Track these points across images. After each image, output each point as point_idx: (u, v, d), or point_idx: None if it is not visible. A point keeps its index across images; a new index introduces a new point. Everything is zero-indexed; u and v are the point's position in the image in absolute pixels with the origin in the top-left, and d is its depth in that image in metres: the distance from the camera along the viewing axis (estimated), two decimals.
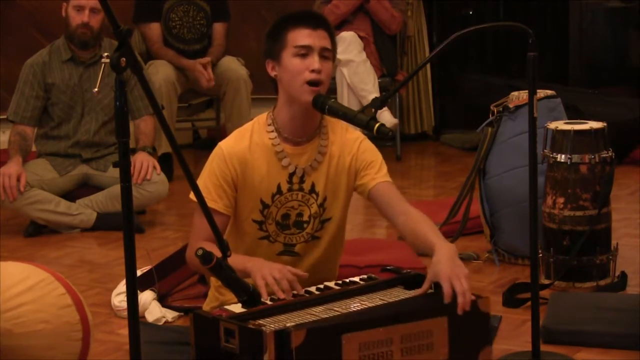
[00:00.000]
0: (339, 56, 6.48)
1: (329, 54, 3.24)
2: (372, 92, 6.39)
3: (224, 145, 3.31)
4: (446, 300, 2.91)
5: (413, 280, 3.14)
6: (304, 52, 3.20)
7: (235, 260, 3.13)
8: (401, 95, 7.19)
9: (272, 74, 3.28)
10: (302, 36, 3.20)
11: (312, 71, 3.18)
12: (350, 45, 6.54)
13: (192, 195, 3.09)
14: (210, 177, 3.27)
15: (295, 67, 3.20)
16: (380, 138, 3.18)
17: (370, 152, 3.34)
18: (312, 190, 3.30)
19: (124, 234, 2.40)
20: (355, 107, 6.19)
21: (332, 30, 3.28)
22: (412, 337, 2.88)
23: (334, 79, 6.53)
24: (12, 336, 3.03)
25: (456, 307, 2.90)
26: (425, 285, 3.00)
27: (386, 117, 6.37)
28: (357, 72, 6.51)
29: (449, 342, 2.94)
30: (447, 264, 2.96)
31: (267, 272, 3.03)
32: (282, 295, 2.99)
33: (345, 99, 6.50)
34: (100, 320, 3.88)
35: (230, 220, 3.33)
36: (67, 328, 3.12)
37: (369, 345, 2.81)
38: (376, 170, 3.30)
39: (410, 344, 2.87)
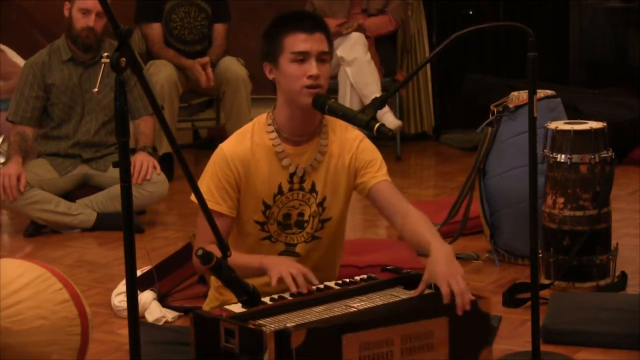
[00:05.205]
0: (343, 55, 6.48)
1: (326, 57, 3.23)
2: (375, 92, 6.35)
3: (226, 147, 3.30)
4: (445, 301, 2.92)
5: (413, 280, 3.14)
6: (301, 57, 3.19)
7: (250, 258, 3.15)
8: (401, 95, 7.18)
9: (270, 76, 3.27)
10: (298, 41, 3.19)
11: (310, 77, 3.18)
12: (355, 45, 6.52)
13: (193, 197, 3.09)
14: (212, 180, 3.27)
15: (293, 73, 3.19)
16: (381, 138, 3.18)
17: (369, 151, 3.34)
18: (313, 189, 3.31)
19: (124, 234, 2.40)
20: (357, 107, 6.19)
21: (328, 31, 3.27)
22: (412, 337, 2.88)
23: (336, 78, 6.52)
24: (12, 334, 3.03)
25: (455, 307, 2.91)
26: (421, 286, 3.02)
27: (389, 118, 6.36)
28: (361, 72, 6.49)
29: (449, 342, 2.94)
30: (443, 265, 2.97)
31: (284, 269, 3.05)
32: (295, 290, 3.02)
33: (347, 98, 6.49)
34: (100, 320, 3.88)
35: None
36: (66, 323, 3.13)
37: (369, 345, 2.82)
38: (376, 169, 3.30)
39: (410, 344, 2.88)
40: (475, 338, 3.02)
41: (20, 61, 6.15)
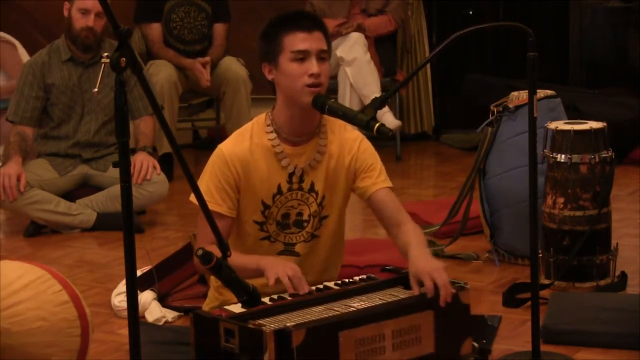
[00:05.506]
0: (343, 55, 6.49)
1: (325, 55, 3.24)
2: (375, 92, 6.37)
3: (225, 148, 3.30)
4: (429, 295, 2.98)
5: None
6: (302, 56, 3.19)
7: (248, 259, 3.15)
8: (401, 95, 7.19)
9: (270, 77, 3.27)
10: (298, 40, 3.19)
11: (311, 75, 3.19)
12: (355, 45, 6.53)
13: (192, 198, 3.09)
14: (212, 180, 3.27)
15: (294, 72, 3.20)
16: (381, 138, 3.18)
17: (370, 153, 3.34)
18: (312, 189, 3.31)
19: (124, 234, 2.40)
20: (356, 107, 6.20)
21: (326, 30, 3.27)
22: (402, 332, 2.94)
23: (335, 78, 6.53)
24: (11, 335, 3.03)
25: (439, 300, 2.97)
26: (415, 288, 3.04)
27: (389, 118, 6.36)
28: (360, 72, 6.50)
29: (435, 334, 3.00)
30: (423, 261, 3.06)
31: (280, 270, 3.06)
32: (292, 291, 3.03)
33: (347, 98, 6.50)
34: (100, 320, 3.88)
35: None
36: (65, 325, 3.12)
37: (364, 341, 2.85)
38: (377, 174, 3.32)
39: (400, 339, 2.93)
40: (458, 330, 3.08)
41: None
